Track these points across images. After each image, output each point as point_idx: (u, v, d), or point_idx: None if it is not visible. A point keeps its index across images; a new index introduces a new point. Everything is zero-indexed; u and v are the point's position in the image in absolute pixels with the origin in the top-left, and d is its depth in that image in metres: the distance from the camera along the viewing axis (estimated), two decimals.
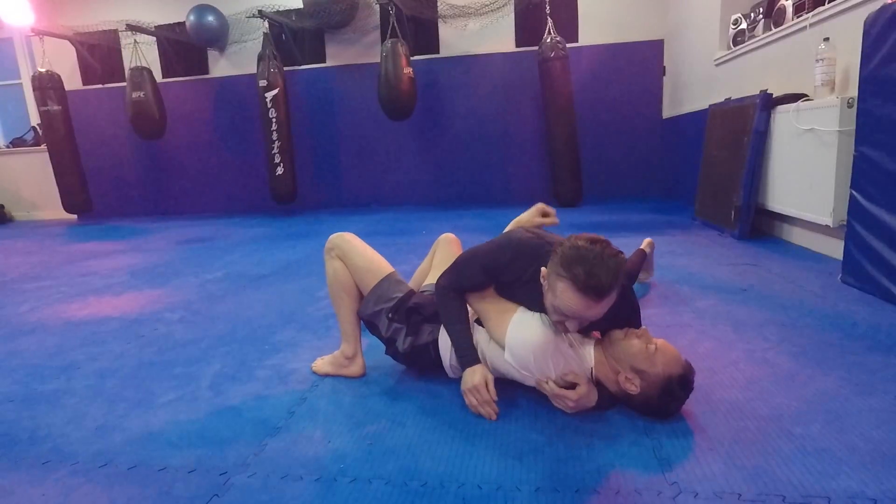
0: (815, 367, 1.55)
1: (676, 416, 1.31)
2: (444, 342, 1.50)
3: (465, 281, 1.46)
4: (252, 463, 1.22)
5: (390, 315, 1.56)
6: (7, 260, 4.23)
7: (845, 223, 2.38)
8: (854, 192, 2.28)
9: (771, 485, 1.05)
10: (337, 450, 1.26)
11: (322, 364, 1.69)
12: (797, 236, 3.16)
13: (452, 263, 1.52)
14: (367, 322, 1.62)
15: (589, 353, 1.37)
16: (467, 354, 1.41)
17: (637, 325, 1.41)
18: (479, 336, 1.47)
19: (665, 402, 1.27)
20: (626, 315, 1.38)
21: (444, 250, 1.86)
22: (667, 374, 1.25)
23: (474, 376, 1.37)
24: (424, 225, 4.87)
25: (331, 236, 1.65)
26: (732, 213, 3.45)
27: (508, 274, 1.40)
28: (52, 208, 7.20)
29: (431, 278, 1.77)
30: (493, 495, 1.07)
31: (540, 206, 1.89)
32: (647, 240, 2.45)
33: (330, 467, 1.19)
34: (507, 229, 1.73)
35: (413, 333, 1.54)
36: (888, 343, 1.69)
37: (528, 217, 1.88)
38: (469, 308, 1.49)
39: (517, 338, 1.34)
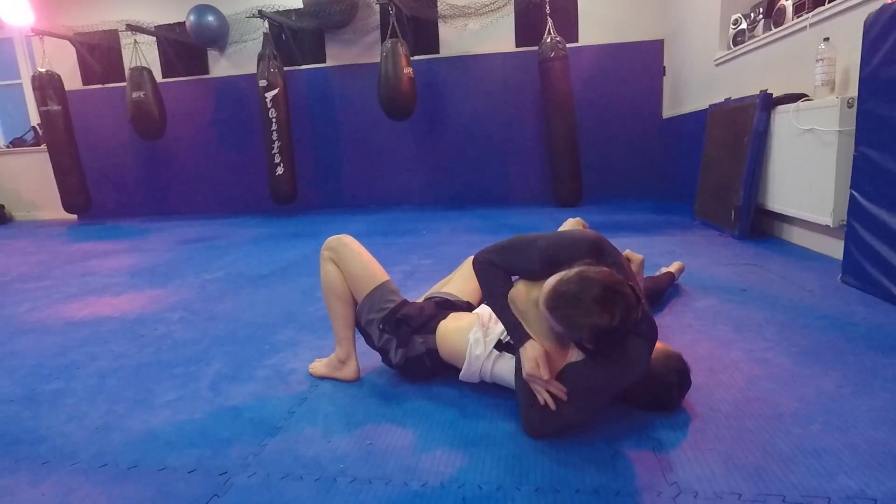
0: (815, 367, 1.55)
1: (677, 415, 1.31)
2: (474, 338, 1.42)
3: (517, 262, 1.37)
4: (252, 463, 1.22)
5: (381, 326, 1.55)
6: (7, 260, 4.23)
7: (845, 223, 2.38)
8: (854, 192, 2.28)
9: (771, 485, 1.05)
10: (337, 450, 1.26)
11: (318, 366, 1.69)
12: (797, 236, 3.16)
13: (503, 243, 1.41)
14: (362, 331, 1.62)
15: None
16: (521, 330, 1.31)
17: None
18: (478, 349, 1.43)
19: (671, 374, 1.31)
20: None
21: (468, 268, 1.82)
22: (666, 350, 1.38)
23: (535, 351, 1.27)
24: (424, 225, 4.86)
25: (329, 238, 1.64)
26: (732, 213, 3.45)
27: (559, 269, 1.30)
28: (52, 208, 7.20)
29: (447, 289, 1.75)
30: (493, 495, 1.07)
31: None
32: (679, 264, 2.42)
33: (330, 467, 1.19)
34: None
35: (404, 345, 1.53)
36: (888, 343, 1.69)
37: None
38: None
39: None
